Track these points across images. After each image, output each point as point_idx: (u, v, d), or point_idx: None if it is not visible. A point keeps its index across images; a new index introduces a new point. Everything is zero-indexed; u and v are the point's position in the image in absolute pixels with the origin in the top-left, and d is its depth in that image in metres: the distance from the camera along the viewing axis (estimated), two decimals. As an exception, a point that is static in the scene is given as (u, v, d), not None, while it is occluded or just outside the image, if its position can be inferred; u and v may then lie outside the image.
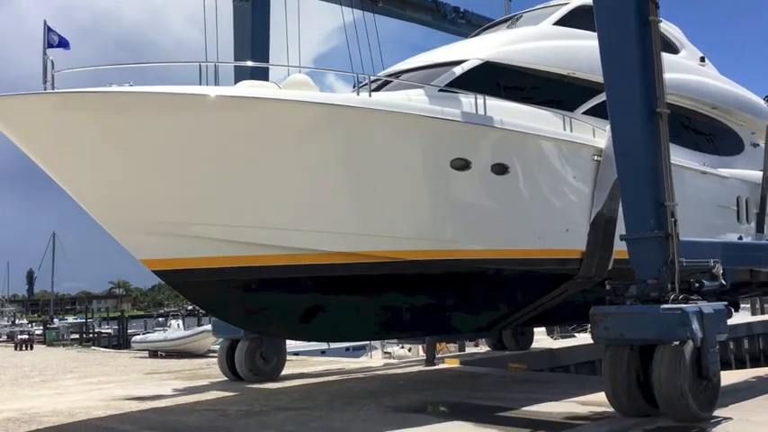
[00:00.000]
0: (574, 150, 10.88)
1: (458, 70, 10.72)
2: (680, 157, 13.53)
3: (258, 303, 9.41)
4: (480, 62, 11.03)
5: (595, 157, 11.04)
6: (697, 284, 8.42)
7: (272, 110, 8.41)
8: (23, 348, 36.01)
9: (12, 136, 7.89)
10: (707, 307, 7.60)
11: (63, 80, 8.07)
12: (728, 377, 9.63)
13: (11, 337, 49.91)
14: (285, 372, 13.67)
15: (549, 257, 10.70)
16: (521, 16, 13.73)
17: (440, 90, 10.20)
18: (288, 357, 14.20)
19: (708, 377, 7.53)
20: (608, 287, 8.53)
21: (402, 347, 23.60)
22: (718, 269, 8.80)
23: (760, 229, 15.18)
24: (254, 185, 8.72)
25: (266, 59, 14.36)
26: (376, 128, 8.87)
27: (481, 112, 9.77)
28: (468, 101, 9.93)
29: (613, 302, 8.24)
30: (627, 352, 7.79)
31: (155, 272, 8.80)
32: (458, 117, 9.43)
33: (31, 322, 61.26)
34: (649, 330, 7.60)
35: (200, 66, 8.47)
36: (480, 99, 9.78)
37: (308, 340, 11.38)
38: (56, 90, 7.85)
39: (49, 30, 8.06)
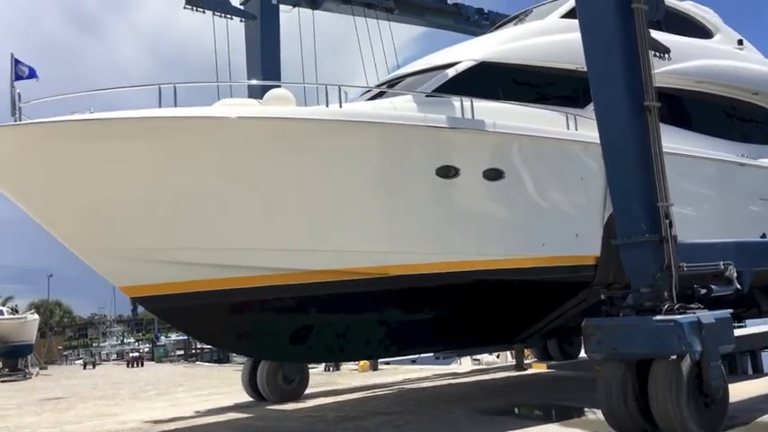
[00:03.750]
0: (580, 150, 10.20)
1: (450, 72, 10.25)
2: (716, 149, 12.63)
3: (245, 327, 9.18)
4: (475, 63, 10.51)
5: None
6: (703, 291, 7.67)
7: (240, 128, 8.20)
8: (135, 365, 37.77)
9: None
10: (707, 316, 6.83)
11: (36, 111, 8.11)
12: (745, 390, 8.82)
13: (120, 356, 52.32)
14: (378, 380, 14.66)
15: (556, 265, 10.04)
16: (531, 11, 13.11)
17: (427, 95, 9.75)
18: (379, 366, 14.43)
19: (710, 394, 6.78)
20: (603, 296, 7.88)
21: (490, 354, 23.31)
22: (732, 272, 7.99)
23: (808, 224, 13.89)
24: (233, 206, 8.52)
25: (277, 75, 14.30)
26: (348, 140, 8.52)
27: (469, 115, 9.27)
28: (457, 105, 9.45)
29: (609, 313, 7.61)
30: (622, 367, 7.12)
31: (134, 299, 8.70)
32: (442, 123, 8.96)
33: (137, 341, 63.67)
34: (643, 344, 6.92)
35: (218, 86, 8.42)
36: (468, 102, 9.29)
37: (303, 361, 11.11)
38: (22, 122, 7.87)
39: (17, 62, 8.09)
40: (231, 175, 8.29)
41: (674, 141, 11.72)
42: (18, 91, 7.96)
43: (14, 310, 43.08)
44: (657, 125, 7.53)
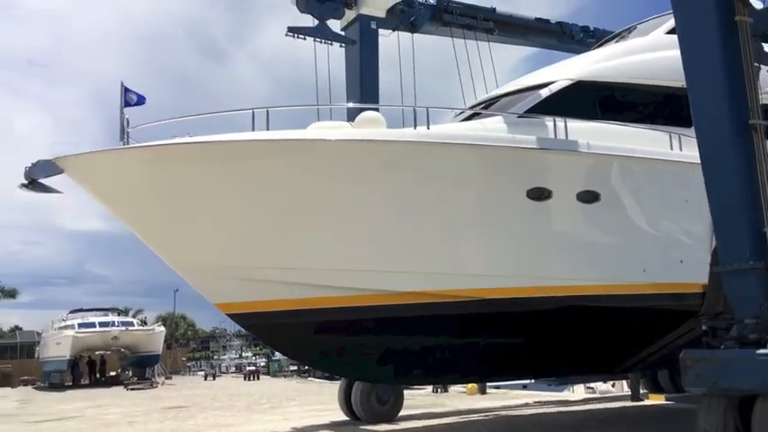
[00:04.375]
0: (685, 171, 9.65)
1: (544, 93, 10.03)
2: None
3: (331, 345, 9.30)
4: (571, 82, 10.23)
5: None
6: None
7: (331, 151, 8.38)
8: (251, 379, 39.47)
9: (91, 190, 8.55)
10: (815, 352, 6.26)
11: (145, 135, 8.65)
12: None
13: (239, 369, 54.67)
14: (486, 404, 14.36)
15: (658, 292, 9.55)
16: (635, 28, 12.64)
17: (519, 116, 9.59)
18: (488, 390, 14.18)
19: (822, 437, 6.19)
20: (704, 327, 7.40)
21: (605, 382, 22.55)
22: None
23: None
24: (324, 228, 8.70)
25: (375, 98, 14.53)
26: (433, 161, 8.50)
27: (562, 135, 9.03)
28: (549, 125, 9.23)
29: (710, 345, 7.13)
30: (724, 403, 6.64)
31: (229, 315, 9.03)
32: (531, 144, 8.78)
33: (254, 355, 66.13)
34: (745, 379, 6.43)
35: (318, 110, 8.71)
36: (561, 122, 9.05)
37: (393, 383, 11.06)
38: (130, 145, 8.40)
39: (126, 90, 8.67)
40: (322, 197, 8.46)
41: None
42: (127, 117, 8.52)
43: (144, 322, 45.65)
44: (764, 145, 7.03)
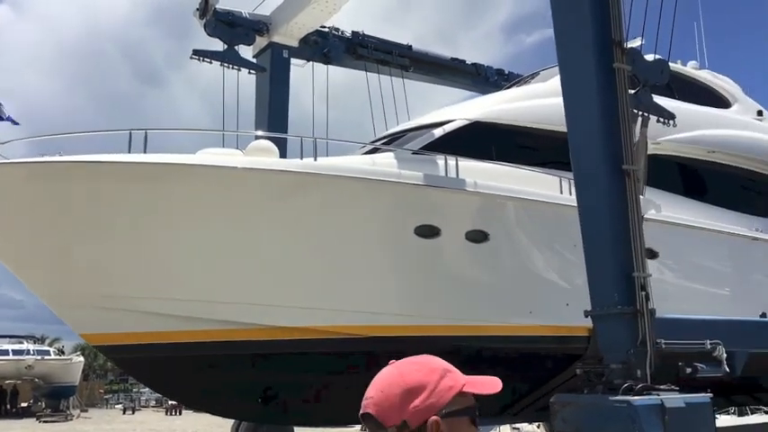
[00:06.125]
0: (573, 214, 9.69)
1: (438, 132, 10.01)
2: (728, 222, 12.01)
3: (211, 383, 8.84)
4: (468, 122, 10.26)
5: None
6: (688, 370, 7.09)
7: (206, 178, 8.06)
8: (173, 413, 37.76)
9: None
10: (674, 400, 6.23)
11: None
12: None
13: (160, 402, 52.23)
14: None
15: (544, 335, 9.50)
16: (538, 73, 12.88)
17: (414, 152, 9.51)
18: None
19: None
20: (578, 371, 7.36)
21: (531, 423, 22.44)
22: (721, 352, 7.39)
23: (837, 303, 12.90)
24: (202, 258, 8.32)
25: (284, 127, 14.23)
26: (317, 194, 8.28)
27: (453, 174, 8.97)
28: (441, 163, 9.17)
29: (580, 389, 7.07)
30: (590, 451, 6.55)
31: (96, 347, 8.48)
32: (419, 180, 8.67)
33: None
34: (602, 426, 6.35)
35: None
36: (452, 161, 9.00)
37: (278, 423, 10.61)
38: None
39: (-3, 104, 8.17)
40: (198, 225, 8.10)
41: (682, 212, 11.22)
42: None
43: (61, 351, 43.45)
44: (637, 191, 7.12)
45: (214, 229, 8.26)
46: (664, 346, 6.82)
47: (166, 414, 38.13)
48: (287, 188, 8.23)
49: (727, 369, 7.36)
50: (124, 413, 41.37)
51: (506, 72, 18.74)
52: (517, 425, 22.10)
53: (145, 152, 7.88)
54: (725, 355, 7.39)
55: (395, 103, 15.52)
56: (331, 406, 9.58)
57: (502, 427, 23.22)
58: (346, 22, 16.39)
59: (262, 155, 8.78)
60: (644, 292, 6.80)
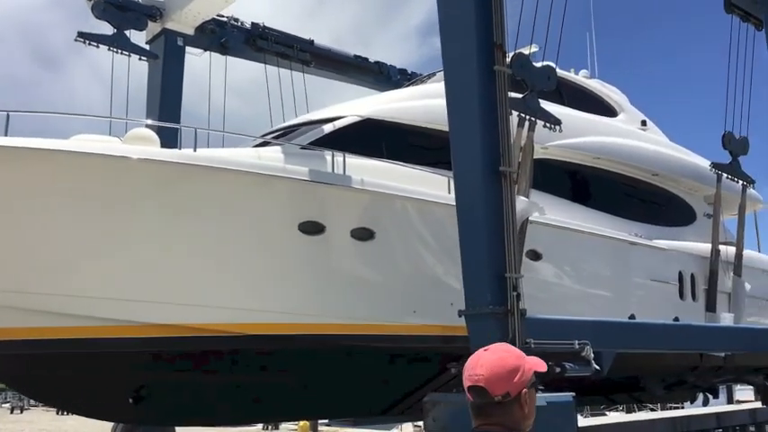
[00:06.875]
0: (459, 215, 9.86)
1: (328, 128, 9.90)
2: (610, 226, 12.47)
3: (77, 382, 8.38)
4: (359, 119, 10.19)
5: None
6: (557, 369, 7.26)
7: (72, 164, 7.59)
8: (65, 413, 35.23)
9: None
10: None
11: None
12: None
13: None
14: None
15: (427, 334, 9.53)
16: (435, 74, 12.99)
17: (302, 147, 9.35)
18: (320, 428, 13.89)
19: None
20: (453, 371, 7.41)
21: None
22: (588, 352, 7.60)
23: (710, 307, 13.53)
24: (68, 249, 7.85)
25: (177, 117, 13.77)
26: (195, 186, 7.99)
27: (340, 170, 8.87)
28: (329, 159, 9.05)
29: (450, 389, 7.13)
30: (458, 450, 6.59)
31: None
32: (304, 175, 8.52)
33: None
34: (468, 425, 6.38)
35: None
36: (339, 157, 8.89)
37: (151, 423, 10.25)
38: None
39: None
40: (62, 215, 7.63)
41: (567, 215, 11.55)
42: None
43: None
44: (513, 192, 7.24)
45: (79, 219, 7.79)
46: (533, 345, 6.94)
47: (58, 413, 36.30)
48: (160, 179, 7.88)
49: (596, 368, 7.58)
50: (12, 413, 39.29)
51: (409, 72, 18.90)
52: (419, 422, 22.53)
53: (6, 135, 7.36)
54: (592, 354, 7.60)
55: (294, 98, 15.35)
56: (208, 405, 9.31)
57: (404, 426, 23.51)
58: (264, 16, 16.14)
59: (140, 143, 8.37)
60: (515, 293, 6.92)
